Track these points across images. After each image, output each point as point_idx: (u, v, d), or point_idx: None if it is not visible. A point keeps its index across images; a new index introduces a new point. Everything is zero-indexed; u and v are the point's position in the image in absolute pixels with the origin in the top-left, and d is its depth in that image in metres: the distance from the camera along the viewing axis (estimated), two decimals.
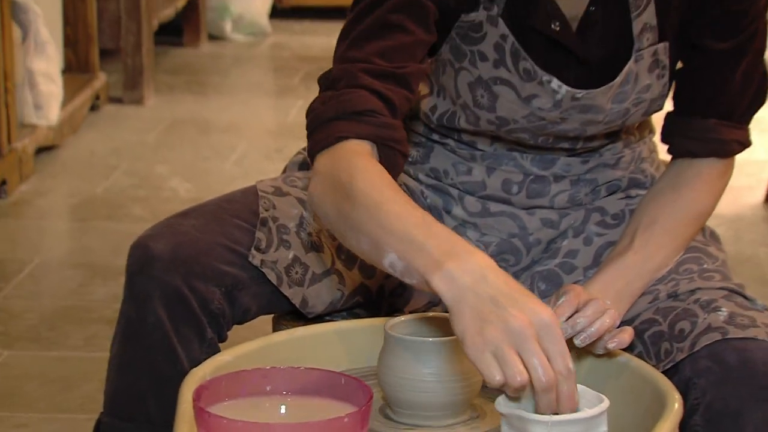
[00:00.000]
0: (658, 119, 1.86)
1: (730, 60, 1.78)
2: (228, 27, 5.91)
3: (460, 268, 1.37)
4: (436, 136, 1.87)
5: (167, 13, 5.26)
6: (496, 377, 1.29)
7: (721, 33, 1.77)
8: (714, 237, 1.87)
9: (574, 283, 1.77)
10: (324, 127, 1.60)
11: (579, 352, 1.59)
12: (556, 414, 1.36)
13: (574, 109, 1.75)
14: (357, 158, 1.57)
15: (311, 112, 1.63)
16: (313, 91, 4.69)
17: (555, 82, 1.73)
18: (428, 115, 1.85)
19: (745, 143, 1.82)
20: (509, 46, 1.73)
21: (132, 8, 4.88)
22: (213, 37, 5.91)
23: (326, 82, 1.66)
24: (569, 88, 1.73)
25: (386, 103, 1.60)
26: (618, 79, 1.74)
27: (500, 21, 1.73)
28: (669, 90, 1.82)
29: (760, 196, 4.01)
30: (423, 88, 1.84)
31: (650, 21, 1.74)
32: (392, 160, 1.62)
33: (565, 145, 1.82)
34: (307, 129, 1.64)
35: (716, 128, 1.80)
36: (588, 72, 1.75)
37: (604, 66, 1.75)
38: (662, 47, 1.76)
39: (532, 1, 1.73)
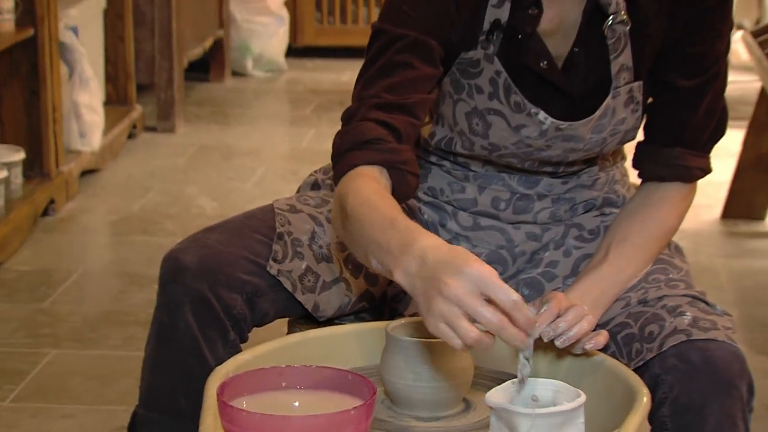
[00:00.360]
0: (629, 147, 1.86)
1: (694, 96, 1.78)
2: (249, 64, 5.90)
3: (410, 258, 1.39)
4: (433, 159, 1.87)
5: (196, 52, 5.26)
6: (455, 342, 1.31)
7: (687, 73, 1.77)
8: (678, 250, 1.87)
9: (555, 290, 1.76)
10: (341, 158, 1.63)
11: (559, 352, 1.61)
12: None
13: (558, 138, 1.75)
14: (357, 180, 1.59)
15: (333, 146, 1.66)
16: (324, 121, 4.74)
17: (542, 114, 1.73)
18: (427, 140, 1.85)
19: (707, 170, 1.82)
20: (502, 81, 1.73)
21: (165, 48, 4.88)
22: (236, 74, 5.89)
23: (345, 117, 1.68)
24: (554, 120, 1.73)
25: (391, 130, 1.62)
26: (597, 113, 1.74)
27: (495, 59, 1.73)
28: (641, 122, 1.82)
29: (717, 214, 4.02)
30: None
31: (626, 62, 1.74)
32: (402, 180, 1.63)
33: (549, 168, 1.82)
34: (331, 161, 1.67)
35: (681, 156, 1.80)
36: (571, 105, 1.74)
37: (585, 100, 1.75)
38: (637, 85, 1.76)
39: (523, 41, 1.73)
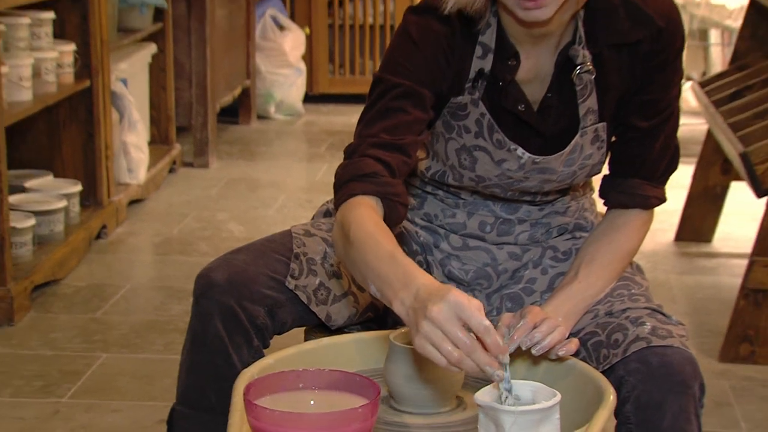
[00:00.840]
0: (596, 179, 1.85)
1: (651, 135, 1.78)
2: (272, 109, 5.91)
3: (407, 293, 1.40)
4: (429, 188, 1.86)
5: (227, 99, 5.27)
6: (440, 361, 1.33)
7: (645, 115, 1.76)
8: (639, 269, 1.87)
9: (533, 303, 1.77)
10: (341, 187, 1.62)
11: (537, 359, 1.60)
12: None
13: (534, 170, 1.75)
14: (357, 209, 1.58)
15: (335, 176, 1.66)
16: (337, 158, 4.75)
17: (520, 150, 1.72)
18: (423, 173, 1.85)
19: (663, 199, 1.82)
20: (486, 122, 1.73)
21: (200, 96, 4.90)
22: (260, 117, 5.90)
23: (347, 152, 1.67)
24: (531, 155, 1.72)
25: (386, 166, 1.61)
26: (567, 149, 1.74)
27: (480, 103, 1.72)
28: (606, 157, 1.81)
29: (671, 237, 4.01)
30: (421, 153, 1.83)
31: (592, 106, 1.73)
32: (393, 210, 1.63)
33: (527, 197, 1.81)
34: (333, 189, 1.66)
35: (641, 187, 1.79)
36: (545, 142, 1.74)
37: (557, 138, 1.74)
38: (601, 126, 1.75)
39: (503, 88, 1.73)
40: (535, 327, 1.59)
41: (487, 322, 1.33)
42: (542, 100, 1.75)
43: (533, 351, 1.58)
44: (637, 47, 1.72)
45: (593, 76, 1.72)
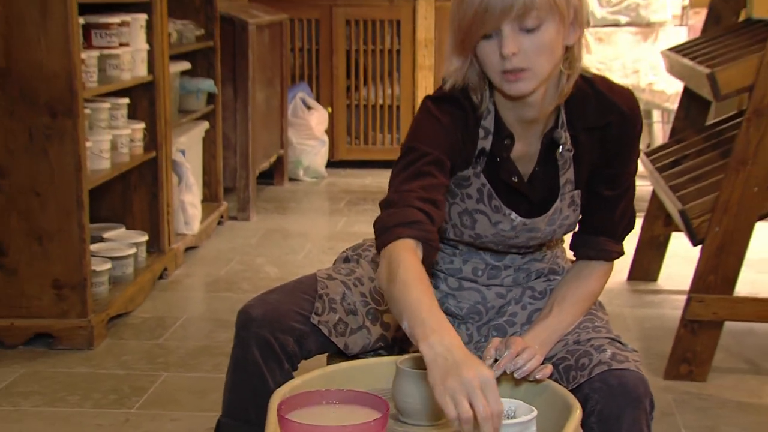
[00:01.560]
0: (567, 234, 1.86)
1: (614, 202, 1.79)
2: (301, 173, 5.92)
3: (438, 340, 1.38)
4: None
5: (264, 165, 5.30)
6: (452, 413, 1.30)
7: (610, 186, 1.77)
8: (601, 306, 1.87)
9: (515, 334, 1.77)
10: (389, 231, 1.59)
11: (518, 381, 1.59)
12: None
13: (523, 230, 1.75)
14: (404, 254, 1.56)
15: (379, 222, 1.63)
16: (353, 212, 4.70)
17: (513, 215, 1.73)
18: None
19: (622, 253, 1.83)
20: (486, 191, 1.73)
21: (243, 163, 4.92)
22: (292, 179, 5.90)
23: (386, 204, 1.65)
24: (521, 218, 1.73)
25: (428, 217, 1.60)
26: (550, 212, 1.74)
27: (481, 175, 1.73)
28: (578, 218, 1.81)
29: (624, 277, 3.99)
30: None
31: (570, 177, 1.75)
32: (429, 253, 1.62)
33: (514, 250, 1.81)
34: (375, 233, 1.63)
35: (605, 243, 1.80)
36: (532, 207, 1.75)
37: (542, 203, 1.75)
38: (576, 193, 1.76)
39: (500, 163, 1.73)
40: (517, 355, 1.59)
41: (502, 407, 1.33)
42: (531, 173, 1.75)
43: (515, 375, 1.58)
44: (606, 129, 1.73)
45: (571, 154, 1.73)
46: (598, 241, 1.80)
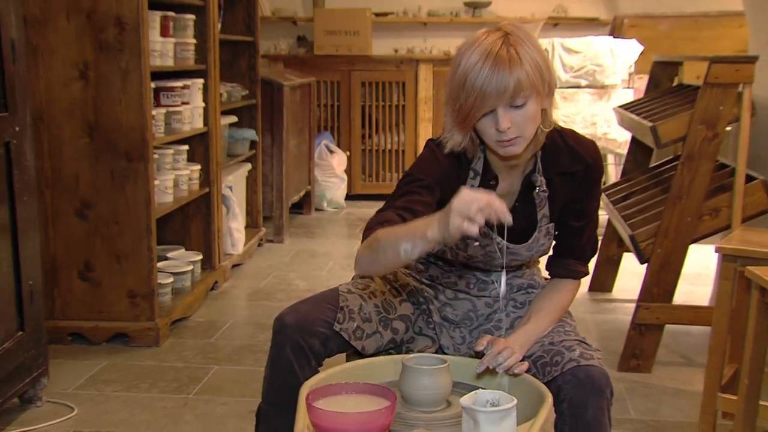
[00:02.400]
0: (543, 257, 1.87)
1: (580, 231, 1.79)
2: (325, 204, 5.92)
3: (432, 221, 1.43)
4: (432, 260, 1.87)
5: (295, 198, 5.29)
6: (474, 230, 1.36)
7: (577, 218, 1.78)
8: (570, 314, 1.86)
9: (498, 336, 1.76)
10: (369, 229, 1.60)
11: (500, 375, 1.60)
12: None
13: (508, 254, 1.76)
14: (378, 231, 1.58)
15: (366, 224, 1.65)
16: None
17: (499, 239, 1.73)
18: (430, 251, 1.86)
19: (587, 273, 1.84)
20: None
21: (278, 196, 4.92)
22: (317, 210, 5.90)
23: (377, 213, 1.67)
24: (506, 242, 1.73)
25: (402, 219, 1.60)
26: (530, 241, 1.76)
27: None
28: (551, 245, 1.82)
29: (586, 289, 3.98)
30: None
31: (545, 213, 1.76)
32: None
33: (498, 269, 1.81)
34: (363, 232, 1.64)
35: (573, 264, 1.81)
36: (515, 235, 1.75)
37: (523, 233, 1.76)
38: (551, 225, 1.77)
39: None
40: (498, 353, 1.60)
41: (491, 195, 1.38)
42: (512, 208, 1.75)
43: (497, 369, 1.59)
44: (575, 175, 1.75)
45: (546, 194, 1.75)
46: (567, 262, 1.80)
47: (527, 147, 1.66)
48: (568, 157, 1.73)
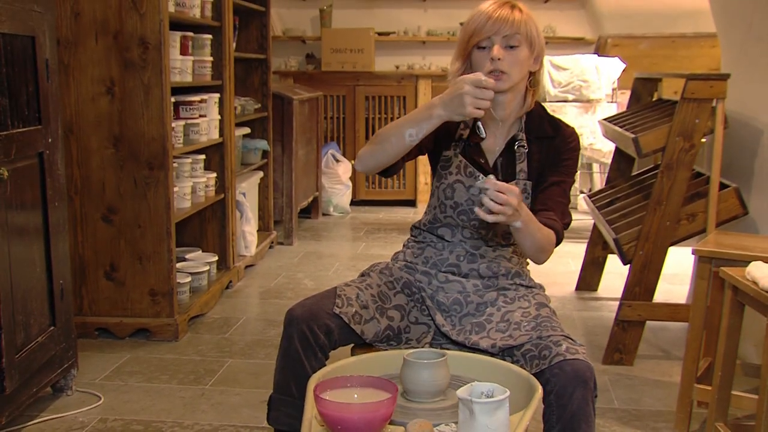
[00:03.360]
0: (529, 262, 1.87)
1: (556, 187, 1.83)
2: (331, 209, 5.92)
3: (436, 101, 1.64)
4: (426, 238, 1.90)
5: (304, 203, 5.29)
6: (485, 104, 1.61)
7: (550, 176, 1.83)
8: (554, 313, 1.85)
9: (490, 328, 1.76)
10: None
11: (500, 370, 1.58)
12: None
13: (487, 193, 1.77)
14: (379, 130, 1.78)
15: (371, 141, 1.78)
16: (370, 239, 4.62)
17: (480, 176, 1.79)
18: (425, 224, 1.91)
19: (560, 228, 1.81)
20: (463, 164, 1.81)
21: (288, 202, 4.93)
22: (324, 214, 5.90)
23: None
24: (484, 177, 1.74)
25: None
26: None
27: (459, 155, 1.82)
28: (530, 206, 1.81)
29: (573, 288, 3.98)
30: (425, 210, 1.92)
31: (524, 168, 1.81)
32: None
33: (483, 231, 1.82)
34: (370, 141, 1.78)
35: (551, 216, 1.79)
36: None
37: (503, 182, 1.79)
38: (529, 183, 1.81)
39: (473, 147, 1.82)
40: (498, 194, 1.57)
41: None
42: (495, 160, 1.83)
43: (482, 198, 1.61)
44: (553, 140, 1.83)
45: (525, 150, 1.80)
46: (546, 214, 1.79)
47: (511, 98, 1.78)
48: (548, 124, 1.83)
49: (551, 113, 1.88)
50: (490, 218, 1.56)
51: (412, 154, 1.82)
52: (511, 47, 1.73)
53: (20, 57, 2.22)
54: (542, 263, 1.78)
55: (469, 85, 1.59)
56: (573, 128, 1.87)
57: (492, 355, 1.70)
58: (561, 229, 1.80)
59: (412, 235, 1.95)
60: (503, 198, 1.55)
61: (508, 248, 1.86)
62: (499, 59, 1.72)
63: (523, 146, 1.80)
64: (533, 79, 1.80)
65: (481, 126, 1.80)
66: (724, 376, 2.11)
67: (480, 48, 1.75)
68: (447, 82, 1.79)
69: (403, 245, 1.96)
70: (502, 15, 1.73)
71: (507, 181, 1.79)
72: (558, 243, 1.80)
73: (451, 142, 1.83)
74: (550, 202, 1.81)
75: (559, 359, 1.59)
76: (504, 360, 1.67)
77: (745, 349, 2.88)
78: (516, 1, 1.78)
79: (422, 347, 1.78)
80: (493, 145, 1.83)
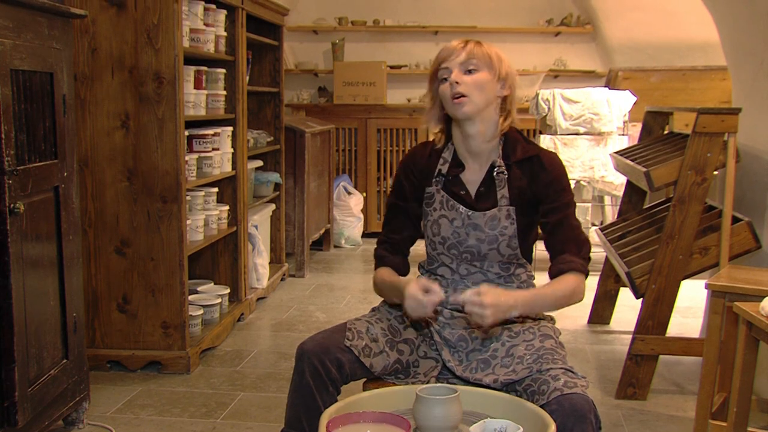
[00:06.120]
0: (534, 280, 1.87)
1: (560, 226, 1.82)
2: (343, 241, 5.92)
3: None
4: (431, 277, 1.92)
5: (316, 236, 5.30)
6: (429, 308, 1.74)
7: (548, 215, 1.83)
8: (561, 344, 1.85)
9: (495, 364, 1.76)
10: (376, 260, 1.95)
11: (512, 408, 1.57)
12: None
13: (470, 226, 1.82)
14: (377, 273, 1.90)
15: (375, 252, 1.97)
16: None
17: (461, 207, 1.82)
18: (423, 265, 1.96)
19: (584, 264, 1.83)
20: (445, 199, 1.84)
21: (300, 234, 4.94)
22: (336, 246, 5.90)
23: (376, 249, 1.95)
24: (466, 209, 1.82)
25: (390, 252, 1.95)
26: (488, 214, 1.81)
27: (441, 190, 1.85)
28: (516, 235, 1.82)
29: (585, 321, 3.96)
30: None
31: (505, 194, 1.82)
32: (400, 267, 1.93)
33: (476, 263, 1.83)
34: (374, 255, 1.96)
35: (568, 257, 1.81)
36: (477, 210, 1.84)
37: (485, 211, 1.83)
38: (512, 209, 1.82)
39: (453, 181, 1.85)
40: (473, 307, 1.67)
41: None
42: (476, 190, 1.85)
43: (450, 299, 1.77)
44: (531, 162, 1.84)
45: (505, 177, 1.82)
46: (563, 258, 1.80)
47: (482, 129, 1.81)
48: (522, 147, 1.85)
49: (527, 138, 1.90)
50: (484, 328, 1.66)
51: (417, 231, 1.91)
52: (470, 71, 1.80)
53: (38, 93, 2.26)
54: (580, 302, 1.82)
55: (408, 299, 1.70)
56: (553, 153, 1.88)
57: (496, 390, 1.69)
58: (581, 266, 1.80)
59: (419, 274, 1.96)
60: (477, 308, 1.65)
61: (512, 283, 1.86)
62: (457, 83, 1.78)
63: (503, 172, 1.82)
64: (504, 105, 1.85)
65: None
66: (739, 412, 2.09)
67: (443, 81, 1.82)
68: (426, 125, 1.91)
69: None
70: (457, 44, 1.82)
71: (489, 209, 1.82)
72: (586, 276, 1.81)
73: (432, 179, 1.87)
74: (560, 244, 1.81)
75: (557, 394, 1.58)
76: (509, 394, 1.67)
77: (760, 384, 2.85)
78: (481, 40, 1.85)
79: (428, 381, 1.79)
80: (473, 176, 1.86)
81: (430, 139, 1.95)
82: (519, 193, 1.81)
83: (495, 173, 1.82)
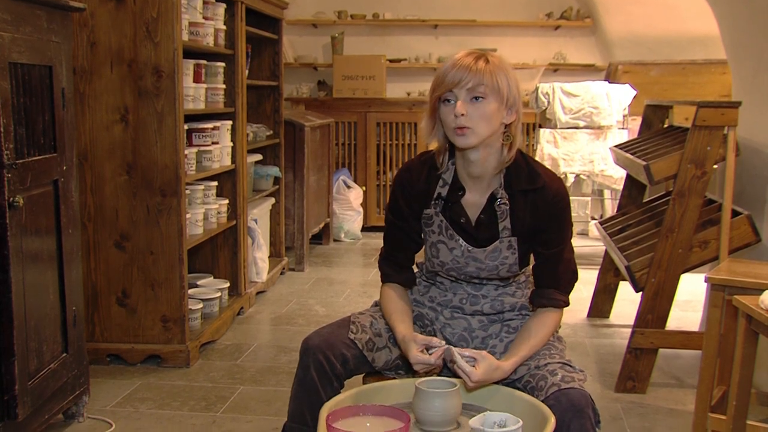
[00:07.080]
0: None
1: (554, 260, 1.79)
2: (342, 235, 5.92)
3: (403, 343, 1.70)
4: (430, 280, 1.91)
5: (315, 230, 5.30)
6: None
7: (546, 246, 1.78)
8: (559, 339, 1.85)
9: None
10: (382, 276, 1.89)
11: (512, 400, 1.59)
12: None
13: (469, 258, 1.78)
14: (383, 289, 1.85)
15: (379, 265, 1.92)
16: None
17: (461, 241, 1.77)
18: (425, 266, 1.93)
19: (567, 302, 1.83)
20: (443, 225, 1.78)
21: (299, 228, 4.94)
22: (335, 240, 5.90)
23: (380, 264, 1.90)
24: (466, 244, 1.77)
25: (394, 268, 1.89)
26: (490, 248, 1.77)
27: (440, 214, 1.79)
28: (518, 262, 1.79)
29: (585, 315, 3.96)
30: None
31: (507, 225, 1.76)
32: (407, 281, 1.89)
33: (475, 281, 1.82)
34: (378, 266, 1.93)
35: (553, 293, 1.80)
36: (477, 244, 1.78)
37: (485, 243, 1.78)
38: (513, 239, 1.77)
39: (452, 206, 1.78)
40: (461, 371, 1.62)
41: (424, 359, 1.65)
42: (477, 218, 1.78)
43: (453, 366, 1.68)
44: (536, 194, 1.75)
45: (507, 207, 1.75)
46: (547, 292, 1.79)
47: (485, 155, 1.71)
48: (527, 175, 1.75)
49: (532, 164, 1.77)
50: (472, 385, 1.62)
51: (419, 244, 1.86)
52: (476, 98, 1.64)
53: (38, 86, 2.26)
54: None
55: (416, 365, 1.65)
56: (558, 181, 1.77)
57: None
58: (564, 303, 1.79)
59: (419, 271, 1.96)
60: (465, 377, 1.61)
61: (511, 286, 1.85)
62: (462, 115, 1.64)
63: (505, 203, 1.74)
64: (508, 132, 1.71)
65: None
66: (738, 406, 2.09)
67: (446, 102, 1.67)
68: (426, 142, 1.81)
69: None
70: (464, 64, 1.64)
71: (491, 240, 1.77)
72: (566, 306, 1.80)
73: (430, 201, 1.79)
74: (549, 279, 1.78)
75: (554, 390, 1.58)
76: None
77: (759, 377, 2.85)
78: (489, 52, 1.69)
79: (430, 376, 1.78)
80: (473, 201, 1.78)
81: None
82: (521, 223, 1.76)
83: (497, 203, 1.74)
